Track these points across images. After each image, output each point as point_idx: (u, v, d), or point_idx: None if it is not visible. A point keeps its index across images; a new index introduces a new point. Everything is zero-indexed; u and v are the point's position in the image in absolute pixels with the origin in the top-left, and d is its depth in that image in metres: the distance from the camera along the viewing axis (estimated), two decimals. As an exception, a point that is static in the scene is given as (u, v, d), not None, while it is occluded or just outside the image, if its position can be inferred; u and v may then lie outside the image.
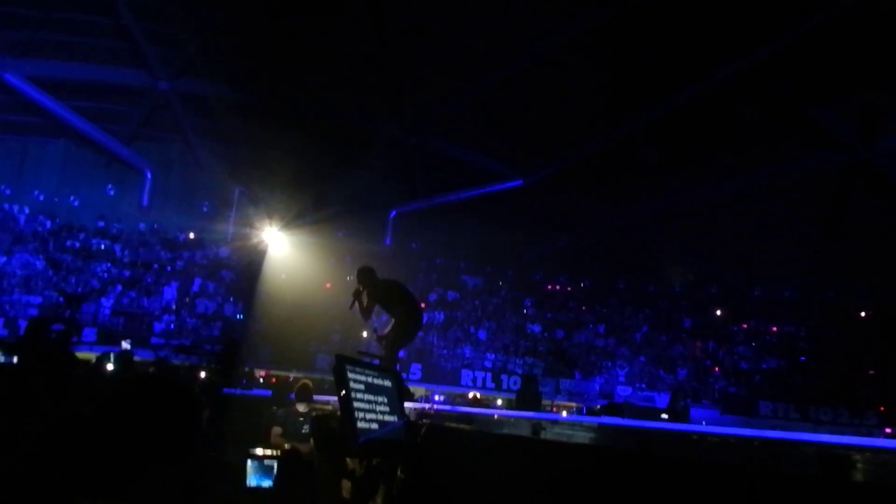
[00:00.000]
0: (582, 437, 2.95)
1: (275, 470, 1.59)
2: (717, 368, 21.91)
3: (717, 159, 18.28)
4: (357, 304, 7.05)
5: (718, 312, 24.83)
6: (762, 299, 25.19)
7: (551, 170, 21.47)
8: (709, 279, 25.65)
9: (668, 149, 18.16)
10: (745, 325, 24.00)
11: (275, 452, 1.81)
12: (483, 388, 19.62)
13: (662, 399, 19.07)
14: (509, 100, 19.38)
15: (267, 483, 1.58)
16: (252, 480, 1.59)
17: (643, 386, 20.86)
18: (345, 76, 18.65)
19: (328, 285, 20.75)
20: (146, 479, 1.25)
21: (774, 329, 23.57)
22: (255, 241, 21.31)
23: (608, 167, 20.56)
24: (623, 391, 20.44)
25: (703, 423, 13.12)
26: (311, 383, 7.64)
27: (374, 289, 7.10)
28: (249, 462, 1.62)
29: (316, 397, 7.54)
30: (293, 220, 21.25)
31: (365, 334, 7.51)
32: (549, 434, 3.01)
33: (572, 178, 21.44)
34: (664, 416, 8.01)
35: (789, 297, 24.97)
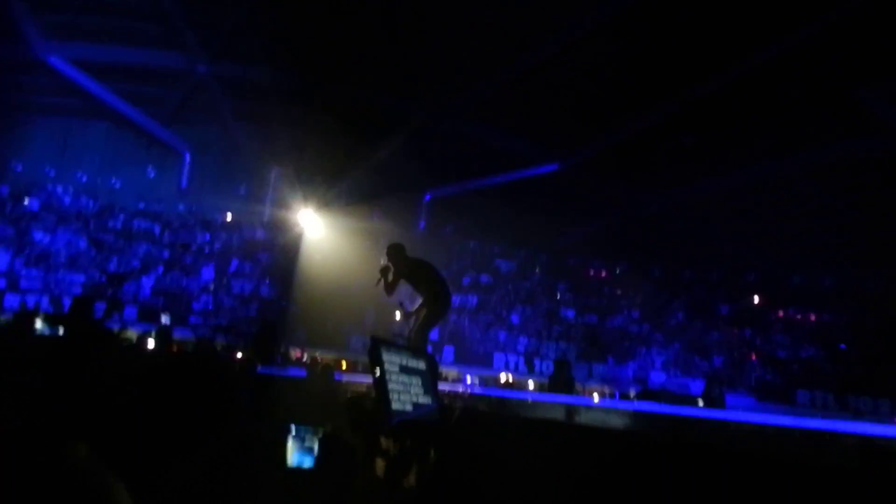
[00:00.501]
0: (617, 422, 2.94)
1: (316, 450, 1.62)
2: (753, 356, 21.58)
3: (757, 142, 17.83)
4: (383, 280, 7.14)
5: (756, 300, 24.41)
6: (801, 287, 24.68)
7: (587, 154, 21.21)
8: (746, 266, 25.18)
9: (707, 131, 17.80)
10: (782, 313, 23.56)
11: (316, 432, 1.84)
12: (515, 371, 19.64)
13: (697, 386, 18.87)
14: (544, 83, 19.14)
15: (308, 462, 1.61)
16: (293, 460, 1.62)
17: (678, 372, 20.67)
18: (379, 59, 18.63)
19: (362, 268, 20.91)
20: (186, 454, 1.28)
21: (813, 317, 23.09)
22: (290, 222, 21.57)
23: (645, 151, 20.25)
24: (657, 377, 20.27)
25: (740, 410, 12.96)
26: (333, 363, 7.79)
27: (402, 266, 7.18)
28: (290, 441, 1.65)
29: (349, 377, 7.66)
30: (328, 202, 21.43)
31: (398, 315, 7.55)
32: (583, 419, 3.01)
33: (608, 162, 21.17)
34: (700, 402, 7.91)
35: (829, 284, 24.42)
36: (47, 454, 0.80)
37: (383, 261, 7.28)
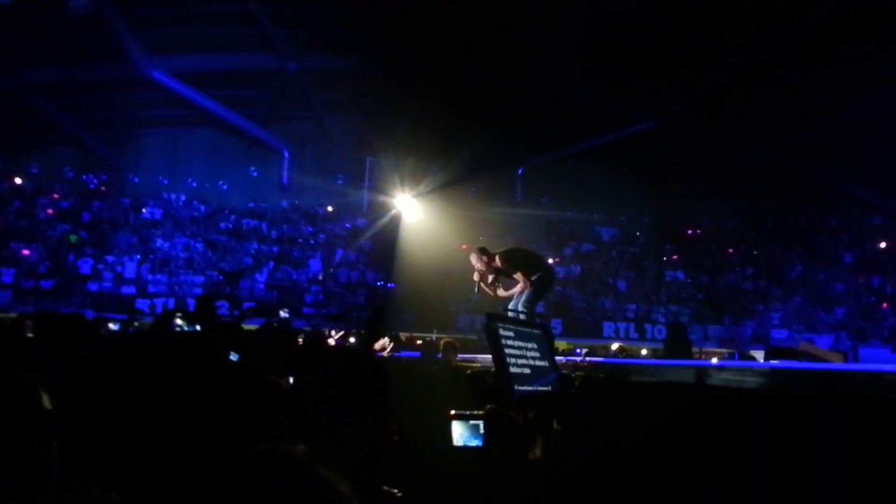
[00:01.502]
0: (753, 382, 2.81)
1: (481, 429, 1.65)
2: (884, 304, 20.18)
3: (872, 70, 16.34)
4: (481, 288, 7.15)
5: (883, 245, 22.73)
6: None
7: (682, 107, 20.24)
8: (870, 208, 23.42)
9: (812, 65, 16.52)
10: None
11: (479, 412, 1.87)
12: (626, 338, 19.24)
13: (823, 341, 17.87)
14: (632, 34, 18.34)
15: (475, 442, 1.63)
16: (459, 440, 1.65)
17: (800, 328, 19.64)
18: (462, 33, 18.42)
19: (464, 246, 21.00)
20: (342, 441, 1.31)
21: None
22: (389, 208, 21.95)
23: (744, 95, 19.10)
24: (778, 334, 19.35)
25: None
26: (455, 341, 7.87)
27: (491, 266, 7.14)
28: (455, 423, 1.68)
29: (460, 356, 7.72)
30: (424, 185, 21.64)
31: (500, 291, 7.50)
32: (715, 381, 2.89)
33: (706, 113, 20.13)
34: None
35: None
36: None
37: (476, 269, 7.23)
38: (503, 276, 7.39)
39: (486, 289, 7.33)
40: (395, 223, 21.76)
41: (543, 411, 4.05)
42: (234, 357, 3.25)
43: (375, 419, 1.43)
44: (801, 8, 15.29)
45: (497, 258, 7.17)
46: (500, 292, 7.47)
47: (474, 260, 7.24)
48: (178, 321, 2.55)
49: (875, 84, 17.61)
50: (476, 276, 7.27)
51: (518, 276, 7.09)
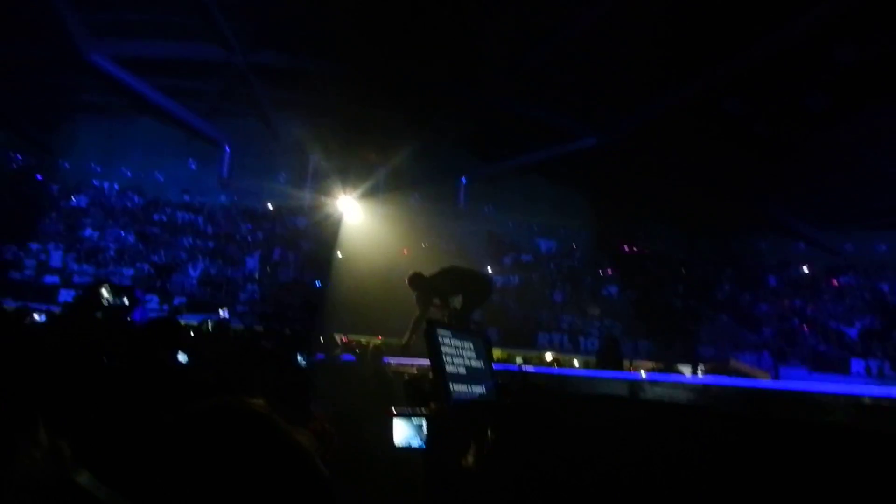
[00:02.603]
0: (685, 397, 2.88)
1: (424, 429, 1.60)
2: (805, 327, 21.10)
3: (808, 105, 17.05)
4: (424, 308, 7.25)
5: (806, 269, 23.82)
6: (854, 255, 23.98)
7: (628, 126, 20.70)
8: (796, 235, 24.51)
9: (755, 97, 17.15)
10: (835, 282, 22.95)
11: (421, 411, 1.82)
12: (560, 349, 19.54)
13: (747, 360, 18.54)
14: (582, 53, 18.70)
15: (416, 443, 1.59)
16: (401, 440, 1.60)
17: (726, 346, 20.33)
18: (412, 39, 18.46)
19: (405, 251, 20.97)
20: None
21: (866, 285, 22.45)
22: (330, 210, 21.73)
23: (685, 121, 19.69)
24: (705, 351, 19.98)
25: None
26: (383, 347, 7.89)
27: (428, 290, 7.26)
28: (396, 421, 1.63)
29: (396, 360, 7.71)
30: (366, 188, 21.53)
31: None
32: (648, 394, 2.94)
33: (650, 135, 20.67)
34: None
35: (884, 251, 23.67)
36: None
37: (414, 294, 7.40)
38: (442, 298, 7.54)
39: (426, 309, 7.47)
40: (335, 225, 21.56)
41: (479, 418, 4.06)
42: (182, 358, 3.13)
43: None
44: (744, 42, 15.88)
45: (429, 285, 7.32)
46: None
47: (412, 288, 7.42)
48: (104, 293, 2.42)
49: (808, 120, 18.36)
50: (418, 302, 7.43)
51: (437, 301, 7.28)
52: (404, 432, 1.72)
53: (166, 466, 0.64)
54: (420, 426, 1.76)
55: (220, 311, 13.18)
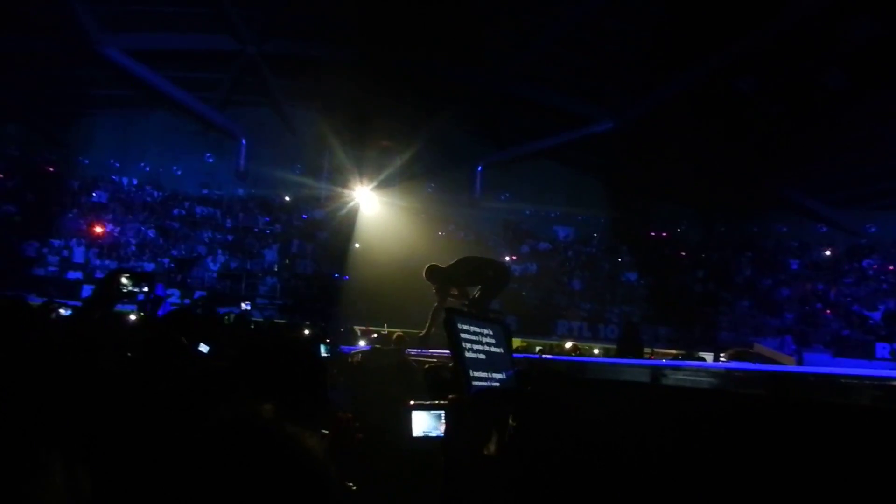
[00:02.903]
0: (708, 383, 2.85)
1: (443, 419, 1.60)
2: (828, 311, 20.86)
3: (826, 82, 16.75)
4: (442, 299, 7.23)
5: (828, 252, 23.50)
6: (877, 235, 23.59)
7: (644, 109, 20.47)
8: (816, 217, 24.14)
9: (770, 75, 16.87)
10: (857, 265, 22.63)
11: (439, 401, 1.81)
12: (579, 337, 19.50)
13: (769, 345, 18.38)
14: (594, 35, 18.51)
15: (436, 432, 1.59)
16: (420, 431, 1.60)
17: (747, 331, 20.17)
18: (425, 25, 18.34)
19: (420, 240, 20.97)
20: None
21: (892, 267, 22.10)
22: (347, 200, 21.75)
23: (701, 103, 19.44)
24: (725, 336, 19.84)
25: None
26: (405, 335, 7.88)
27: (446, 281, 7.23)
28: (415, 413, 1.63)
29: (415, 350, 7.71)
30: (383, 178, 21.51)
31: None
32: (670, 380, 2.91)
33: (667, 117, 20.42)
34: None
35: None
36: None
37: (433, 287, 7.39)
38: (459, 288, 7.53)
39: (445, 299, 7.44)
40: (352, 216, 21.59)
41: (499, 407, 4.05)
42: (204, 349, 3.15)
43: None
44: (759, 19, 15.62)
45: (446, 276, 7.29)
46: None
47: (428, 280, 7.39)
48: (125, 281, 2.43)
49: (823, 97, 18.06)
50: (437, 292, 7.41)
51: (455, 292, 7.25)
52: (423, 423, 1.72)
53: (173, 484, 0.64)
54: (439, 416, 1.75)
55: (243, 305, 13.28)
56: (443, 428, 1.76)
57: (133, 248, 19.92)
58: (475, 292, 7.48)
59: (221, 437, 0.68)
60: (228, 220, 22.22)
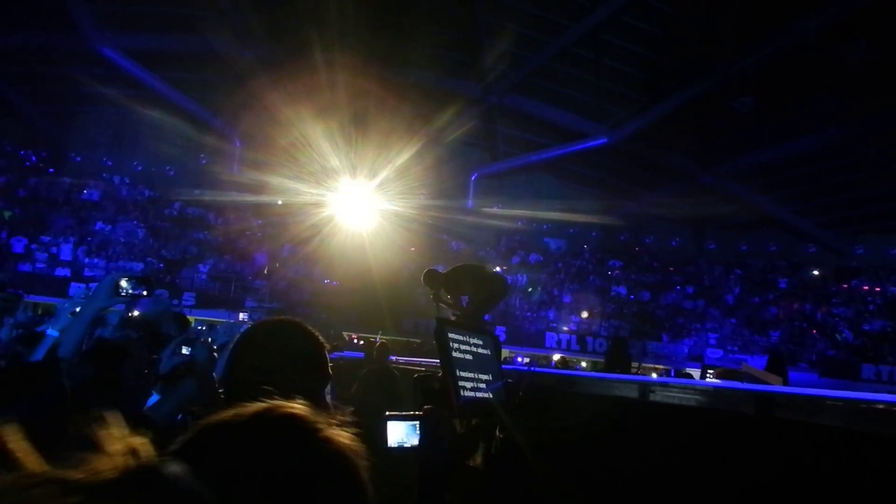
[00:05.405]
0: (696, 400, 2.87)
1: (418, 429, 1.60)
2: (814, 331, 20.97)
3: (817, 106, 16.98)
4: (440, 306, 7.16)
5: (816, 272, 23.68)
6: (864, 258, 23.80)
7: (638, 125, 20.63)
8: (806, 237, 24.37)
9: (765, 97, 17.07)
10: (845, 286, 22.79)
11: (415, 412, 1.81)
12: (568, 350, 19.51)
13: (755, 362, 18.45)
14: (592, 52, 18.70)
15: (412, 442, 1.58)
16: (394, 441, 1.59)
17: (735, 349, 20.24)
18: (424, 36, 18.46)
19: (412, 249, 20.98)
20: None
21: (878, 289, 22.25)
22: (340, 206, 21.70)
23: (699, 119, 19.63)
24: (713, 353, 19.90)
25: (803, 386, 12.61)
26: (387, 343, 7.85)
27: (447, 286, 7.16)
28: (391, 423, 1.62)
29: (406, 359, 7.70)
30: (377, 184, 21.50)
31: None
32: (658, 397, 2.94)
33: (660, 134, 20.59)
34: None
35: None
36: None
37: (432, 293, 7.30)
38: (456, 294, 7.46)
39: (449, 306, 7.38)
40: (345, 221, 21.54)
41: (487, 418, 4.06)
42: (185, 350, 3.11)
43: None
44: (759, 41, 15.82)
45: (444, 282, 7.24)
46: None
47: (427, 285, 7.31)
48: (124, 284, 2.40)
49: (814, 120, 18.28)
50: (434, 300, 7.33)
51: (450, 300, 7.18)
52: (398, 433, 1.71)
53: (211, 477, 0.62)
54: (414, 426, 1.74)
55: (241, 315, 13.18)
56: (417, 439, 1.76)
57: (122, 247, 19.81)
58: (469, 302, 7.44)
59: (259, 427, 0.66)
60: (220, 222, 22.15)
